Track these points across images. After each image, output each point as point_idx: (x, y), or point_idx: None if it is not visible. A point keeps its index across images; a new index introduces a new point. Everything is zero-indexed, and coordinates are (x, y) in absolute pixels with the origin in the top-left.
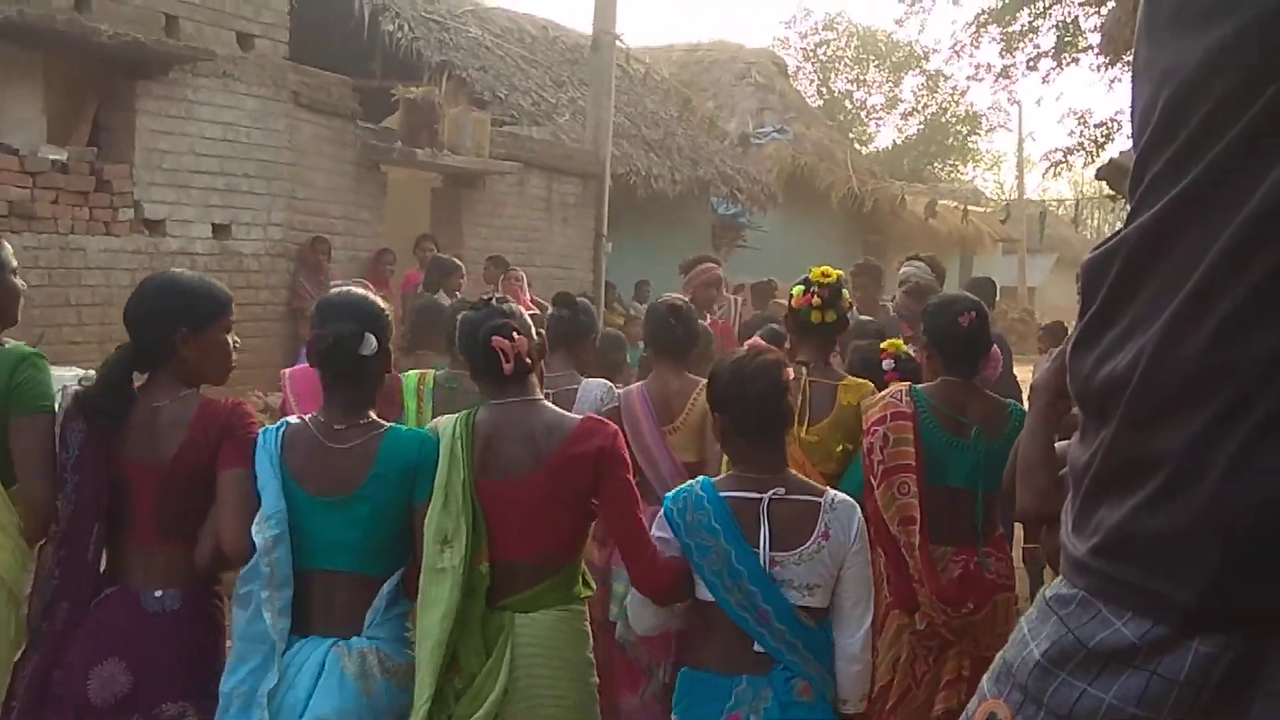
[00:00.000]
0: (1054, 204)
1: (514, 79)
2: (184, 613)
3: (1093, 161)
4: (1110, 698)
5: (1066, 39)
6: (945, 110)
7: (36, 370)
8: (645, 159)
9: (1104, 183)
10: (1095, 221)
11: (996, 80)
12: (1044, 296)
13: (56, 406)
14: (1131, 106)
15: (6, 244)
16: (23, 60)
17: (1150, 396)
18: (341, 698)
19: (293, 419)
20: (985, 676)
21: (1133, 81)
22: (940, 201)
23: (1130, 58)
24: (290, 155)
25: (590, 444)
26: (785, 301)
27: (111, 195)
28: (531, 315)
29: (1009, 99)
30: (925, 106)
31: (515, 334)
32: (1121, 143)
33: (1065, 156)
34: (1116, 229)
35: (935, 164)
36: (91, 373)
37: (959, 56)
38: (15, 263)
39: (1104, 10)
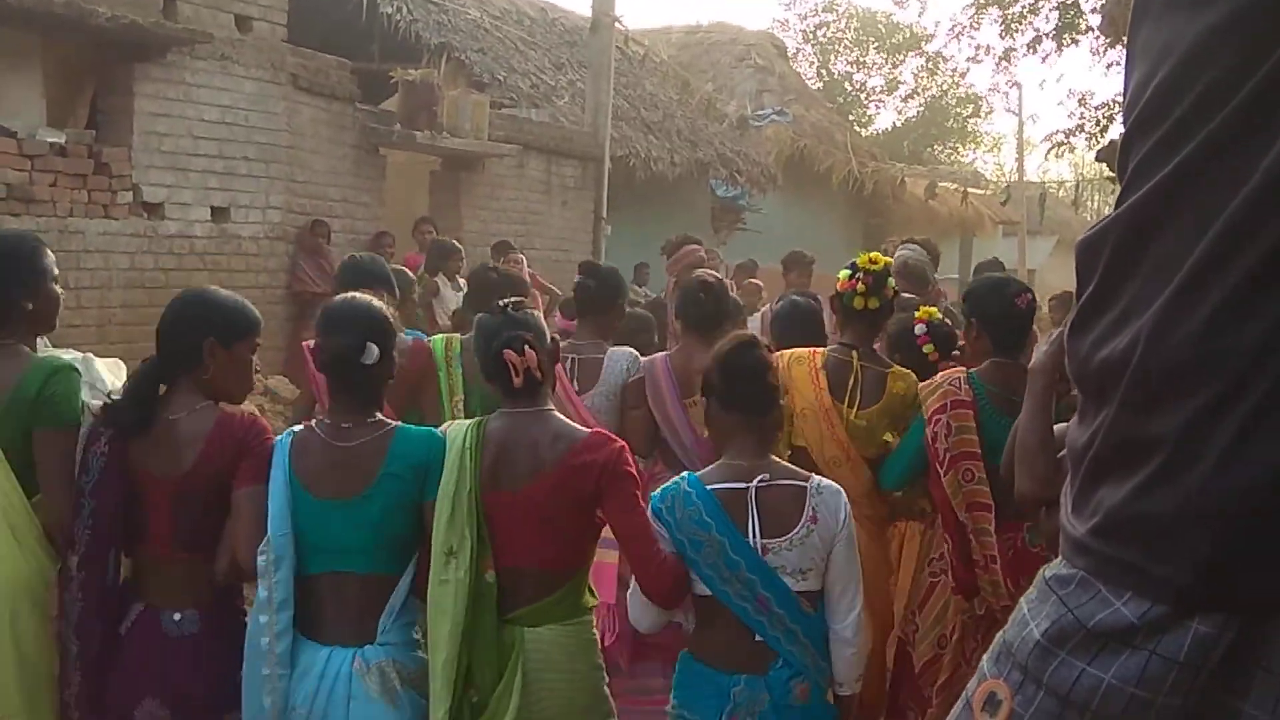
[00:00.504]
0: (1054, 186)
1: (513, 61)
2: (203, 635)
3: (1094, 143)
4: (1110, 677)
5: (1067, 20)
6: (945, 93)
7: (68, 384)
8: (644, 141)
9: (1104, 165)
10: (1095, 204)
11: (997, 63)
12: (1044, 279)
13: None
14: (1124, 85)
15: (49, 252)
16: (21, 43)
17: (1147, 380)
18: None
19: (298, 427)
20: (985, 656)
21: (1127, 61)
22: (940, 184)
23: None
24: (289, 138)
25: (595, 455)
26: (759, 283)
27: (110, 178)
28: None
29: (1009, 81)
30: (925, 89)
31: (527, 347)
32: (1122, 125)
33: (1066, 138)
34: (1107, 213)
35: (935, 146)
36: (88, 355)
37: (959, 38)
38: (56, 270)
39: None
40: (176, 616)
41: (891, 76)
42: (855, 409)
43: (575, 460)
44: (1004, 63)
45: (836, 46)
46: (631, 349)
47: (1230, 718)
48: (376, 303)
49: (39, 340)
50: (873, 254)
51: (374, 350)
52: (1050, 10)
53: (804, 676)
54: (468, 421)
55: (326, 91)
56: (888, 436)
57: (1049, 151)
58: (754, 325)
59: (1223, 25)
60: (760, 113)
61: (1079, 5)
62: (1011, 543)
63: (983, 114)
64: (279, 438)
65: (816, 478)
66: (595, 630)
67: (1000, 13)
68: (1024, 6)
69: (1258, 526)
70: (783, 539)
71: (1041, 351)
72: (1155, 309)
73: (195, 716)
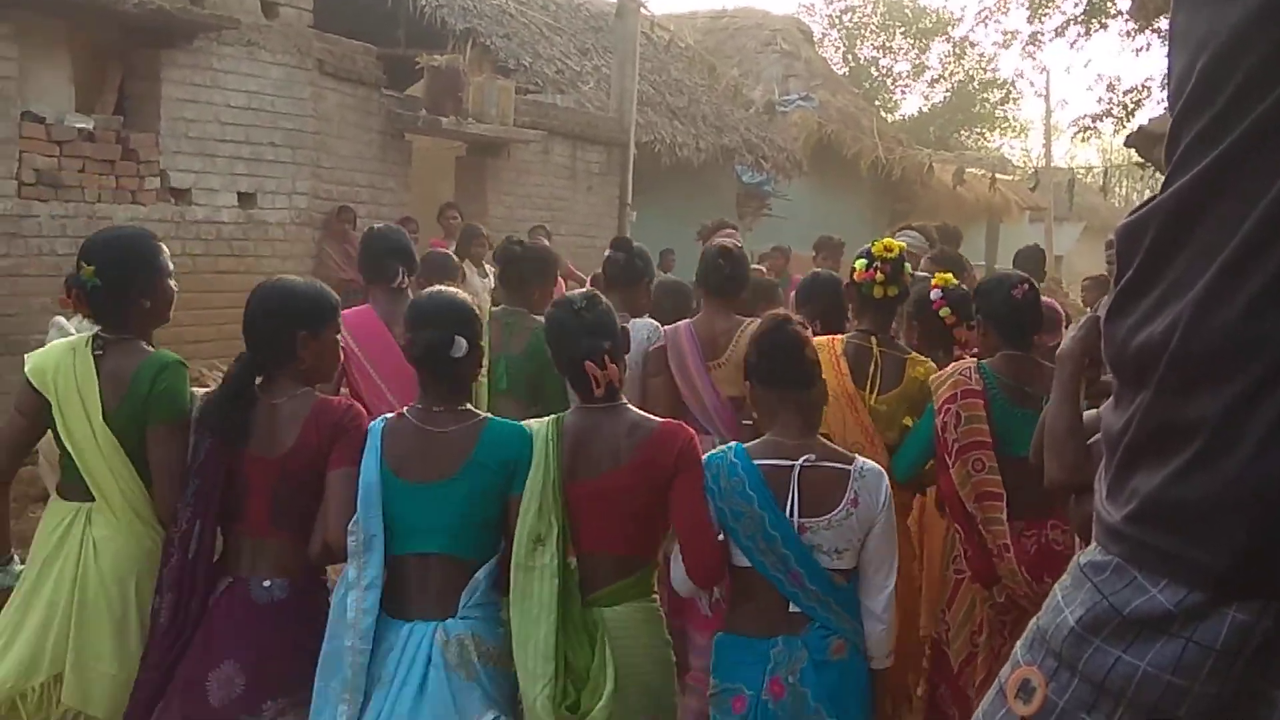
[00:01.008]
0: (1082, 171)
1: (538, 46)
2: (290, 603)
3: (1122, 128)
4: (1145, 665)
5: (1095, 4)
6: (972, 78)
7: (176, 379)
8: (670, 127)
9: (1134, 150)
10: (1124, 189)
11: (1024, 47)
12: (1071, 265)
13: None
14: (1167, 72)
15: (165, 248)
16: (49, 29)
17: (1186, 365)
18: (451, 692)
19: (390, 415)
20: (1019, 643)
21: (1169, 48)
22: (968, 170)
23: (1160, 24)
24: (315, 124)
25: (671, 444)
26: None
27: (138, 164)
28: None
29: (1036, 67)
30: (952, 74)
31: (607, 358)
32: (1151, 109)
33: (1094, 123)
34: (1149, 196)
35: (962, 132)
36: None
37: (986, 23)
38: (172, 265)
39: None
40: (266, 583)
41: (918, 61)
42: (875, 394)
43: (650, 450)
44: (1031, 47)
45: (863, 31)
46: (652, 320)
47: (1267, 706)
48: (463, 296)
49: (77, 318)
50: (886, 241)
51: (462, 344)
52: None
53: (839, 634)
54: (546, 419)
55: (352, 77)
56: (907, 420)
57: (1075, 136)
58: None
59: (1256, 14)
60: (786, 98)
61: None
62: (1035, 539)
63: (1012, 99)
64: (372, 423)
65: (860, 460)
66: (661, 610)
67: None
68: None
69: None
70: (821, 519)
71: (1070, 337)
72: (1195, 294)
73: (269, 685)
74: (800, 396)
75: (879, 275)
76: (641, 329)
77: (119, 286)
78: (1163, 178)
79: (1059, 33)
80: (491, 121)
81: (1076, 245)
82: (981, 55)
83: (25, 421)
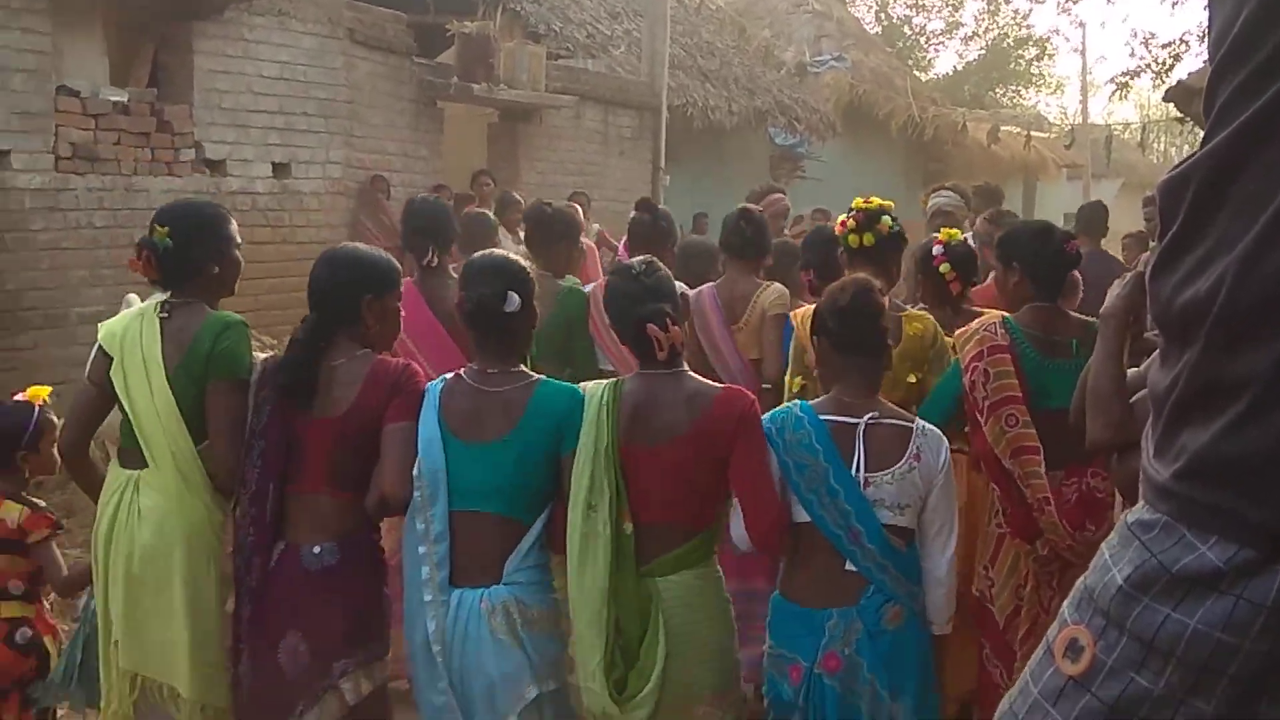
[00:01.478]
0: (1120, 127)
1: (568, 11)
2: (341, 566)
3: (1160, 83)
4: (1195, 622)
5: None
6: (1007, 34)
7: (239, 338)
8: (701, 90)
9: (1172, 105)
10: (1162, 145)
11: (1060, 2)
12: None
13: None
14: (1208, 24)
15: (233, 220)
16: (82, 4)
17: (1233, 320)
18: (498, 661)
19: (448, 374)
20: (1066, 602)
21: (1210, 2)
22: (1003, 128)
23: None
24: (347, 93)
25: (733, 409)
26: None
27: (173, 135)
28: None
29: (1072, 22)
30: (987, 30)
31: (669, 321)
32: (1189, 64)
33: (1130, 79)
34: (1189, 152)
35: (997, 90)
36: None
37: None
38: (239, 238)
39: None
40: (316, 549)
41: (952, 19)
42: None
43: (709, 421)
44: (1067, 2)
45: None
46: (678, 282)
47: None
48: (514, 255)
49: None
50: (870, 197)
51: (515, 299)
52: None
53: (896, 601)
54: (605, 381)
55: (384, 45)
56: (912, 378)
57: (1113, 93)
58: None
59: None
60: (818, 59)
61: None
62: (1077, 486)
63: (1048, 55)
64: (431, 383)
65: (920, 420)
66: (721, 573)
67: None
68: None
69: None
70: (885, 473)
71: (1114, 295)
72: (1240, 248)
73: (332, 650)
74: (870, 361)
75: (850, 223)
76: None
77: (189, 249)
78: (1202, 133)
79: None
80: (523, 87)
81: (1115, 202)
82: (1016, 11)
83: (95, 390)
